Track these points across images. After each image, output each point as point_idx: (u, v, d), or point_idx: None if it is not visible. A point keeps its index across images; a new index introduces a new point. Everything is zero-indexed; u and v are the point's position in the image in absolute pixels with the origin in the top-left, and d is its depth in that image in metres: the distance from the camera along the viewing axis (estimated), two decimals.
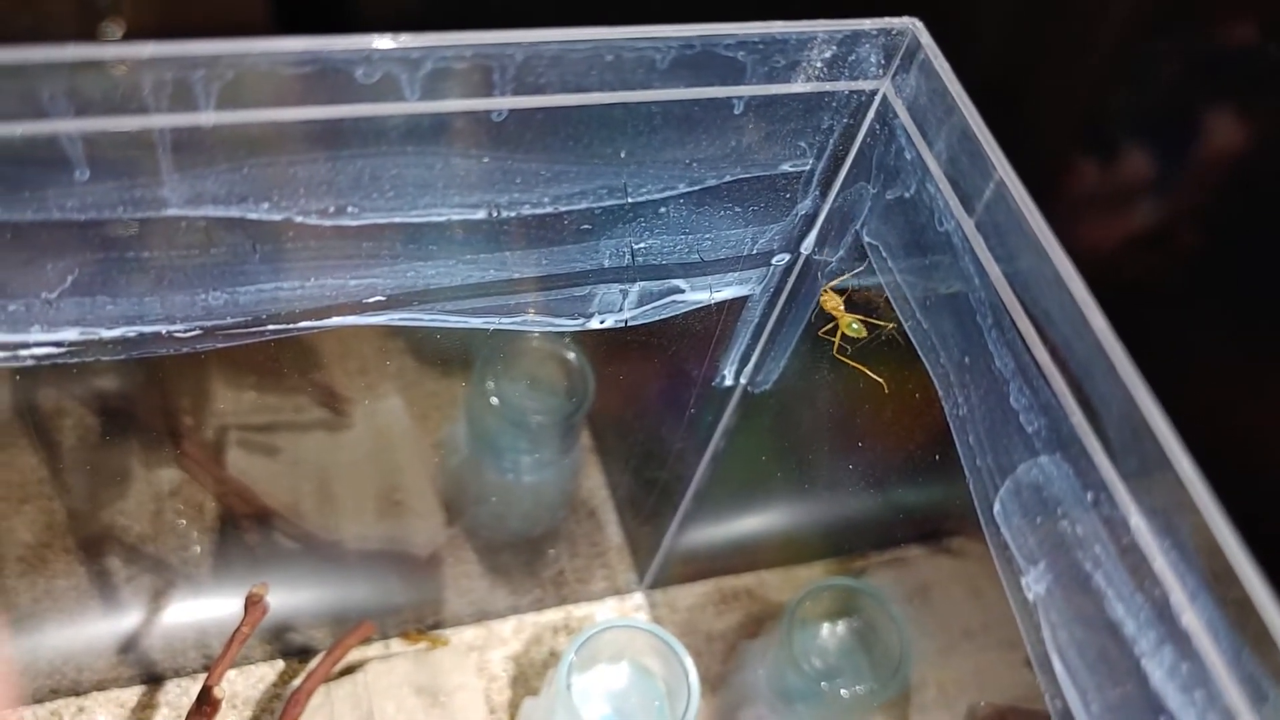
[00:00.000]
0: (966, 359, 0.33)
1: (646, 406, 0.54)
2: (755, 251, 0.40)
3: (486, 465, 0.55)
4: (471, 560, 0.58)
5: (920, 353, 0.35)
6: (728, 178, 0.36)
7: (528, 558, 0.59)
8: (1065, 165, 0.59)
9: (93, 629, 0.53)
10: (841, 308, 0.40)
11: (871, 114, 0.36)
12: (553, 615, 0.60)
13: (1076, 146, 0.59)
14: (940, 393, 0.34)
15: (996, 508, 0.32)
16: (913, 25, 0.34)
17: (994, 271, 0.31)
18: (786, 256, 0.41)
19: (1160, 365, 0.29)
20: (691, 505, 0.56)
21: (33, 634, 0.52)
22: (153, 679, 0.55)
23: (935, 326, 0.34)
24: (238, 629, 0.45)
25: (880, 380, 0.39)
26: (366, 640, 0.55)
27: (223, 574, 0.53)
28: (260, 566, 0.53)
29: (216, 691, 0.42)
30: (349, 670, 0.53)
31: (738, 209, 0.38)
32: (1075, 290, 0.29)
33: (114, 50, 0.27)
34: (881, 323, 0.38)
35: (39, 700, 0.54)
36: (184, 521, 0.51)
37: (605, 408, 0.54)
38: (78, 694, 0.54)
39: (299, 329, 0.36)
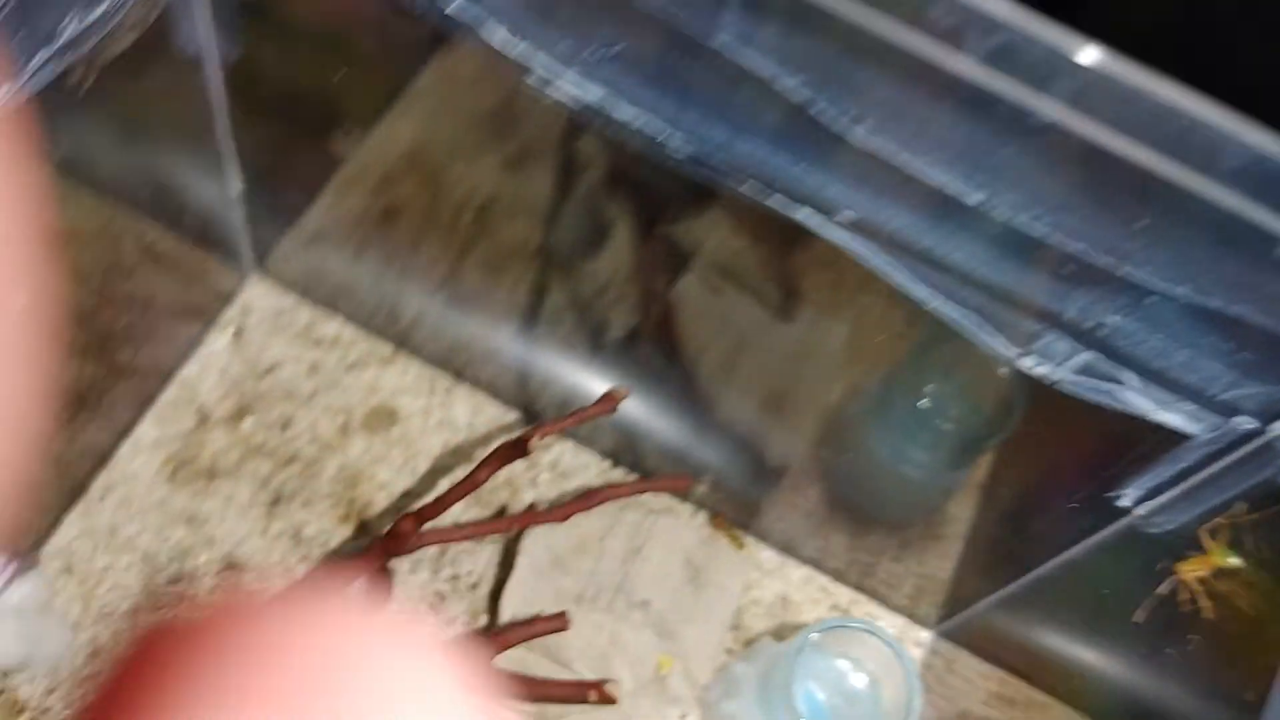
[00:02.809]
0: None
1: (1041, 476, 0.52)
2: (1222, 397, 0.37)
3: (878, 434, 0.55)
4: (810, 496, 0.59)
5: None
6: (1232, 309, 0.33)
7: (858, 531, 0.59)
8: None
9: (489, 334, 0.59)
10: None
11: None
12: (843, 592, 0.60)
13: None
14: None
15: None
16: None
17: None
18: (1252, 423, 0.37)
19: None
20: (1024, 589, 0.54)
21: (447, 303, 0.59)
22: (508, 404, 0.61)
23: None
24: (583, 409, 0.48)
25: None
26: (679, 492, 0.57)
27: (608, 362, 0.57)
28: (641, 379, 0.56)
29: (532, 444, 0.46)
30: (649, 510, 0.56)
31: (1225, 346, 0.35)
32: None
33: None
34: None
35: (429, 361, 0.61)
36: (615, 300, 0.55)
37: (1010, 452, 0.53)
38: (457, 377, 0.61)
39: (768, 204, 0.37)
